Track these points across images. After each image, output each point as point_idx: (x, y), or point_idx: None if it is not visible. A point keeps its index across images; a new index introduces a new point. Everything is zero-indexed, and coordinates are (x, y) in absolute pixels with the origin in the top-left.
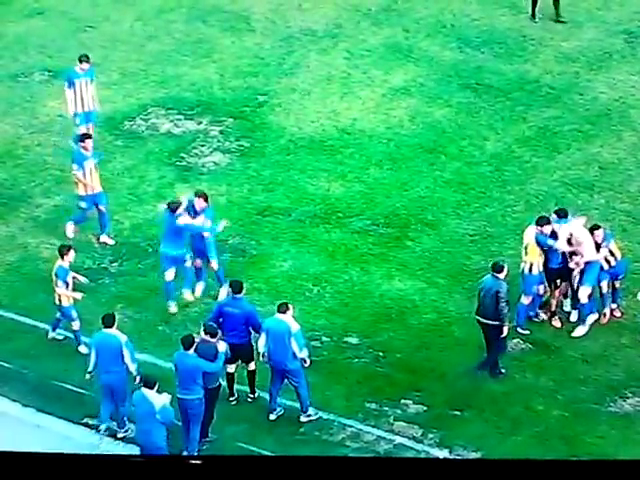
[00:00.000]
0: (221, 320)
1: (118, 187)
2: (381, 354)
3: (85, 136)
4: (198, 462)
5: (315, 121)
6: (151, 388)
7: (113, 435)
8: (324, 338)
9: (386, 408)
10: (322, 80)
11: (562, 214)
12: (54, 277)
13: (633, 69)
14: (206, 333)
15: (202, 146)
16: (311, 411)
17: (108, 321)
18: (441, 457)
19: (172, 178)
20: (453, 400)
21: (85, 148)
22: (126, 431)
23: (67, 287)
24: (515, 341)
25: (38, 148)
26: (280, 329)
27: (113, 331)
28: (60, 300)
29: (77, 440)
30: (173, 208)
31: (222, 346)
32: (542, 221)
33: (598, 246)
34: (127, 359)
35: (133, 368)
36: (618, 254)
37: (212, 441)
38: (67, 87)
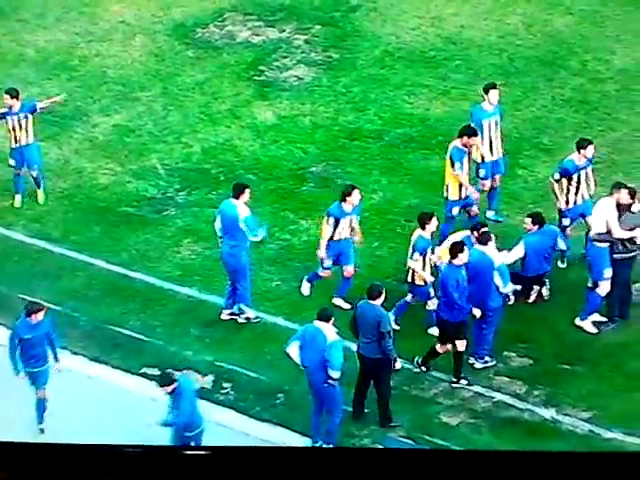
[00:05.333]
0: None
1: (187, 105)
2: None
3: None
4: (207, 452)
5: (415, 28)
6: (326, 321)
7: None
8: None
9: None
10: None
11: None
12: (410, 249)
13: None
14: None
15: (284, 58)
16: (487, 358)
17: (235, 190)
18: (547, 416)
19: (249, 95)
20: (563, 353)
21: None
22: (247, 319)
23: (424, 265)
24: (637, 285)
25: (97, 59)
26: (482, 262)
27: (234, 201)
28: (413, 277)
29: (134, 393)
30: None
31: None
32: None
33: None
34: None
35: (254, 237)
36: None
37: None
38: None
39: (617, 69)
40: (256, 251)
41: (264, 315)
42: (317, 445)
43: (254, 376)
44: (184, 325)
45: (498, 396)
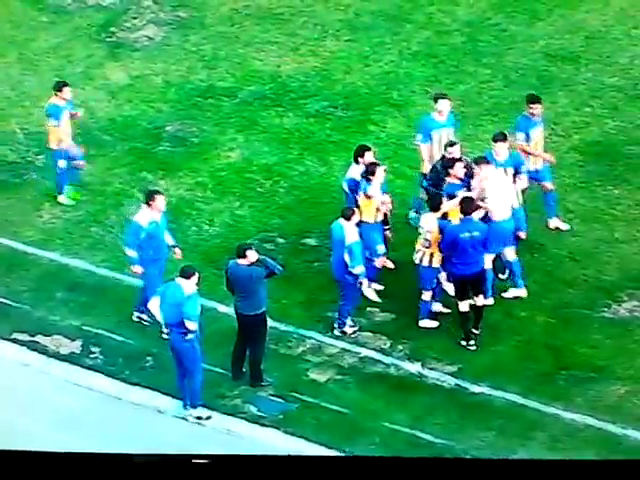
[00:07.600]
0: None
1: (43, 68)
2: None
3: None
4: (206, 461)
5: None
6: (187, 278)
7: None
8: (279, 239)
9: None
10: None
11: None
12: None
13: None
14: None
15: (134, 18)
16: (348, 328)
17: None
18: (413, 371)
19: (102, 56)
20: None
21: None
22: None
23: None
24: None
25: None
26: (338, 236)
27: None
28: None
29: (7, 359)
30: None
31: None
32: None
33: None
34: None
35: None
36: None
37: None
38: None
39: (462, 21)
40: (117, 212)
41: (128, 278)
42: (187, 409)
43: (121, 340)
44: (49, 290)
45: (364, 351)
